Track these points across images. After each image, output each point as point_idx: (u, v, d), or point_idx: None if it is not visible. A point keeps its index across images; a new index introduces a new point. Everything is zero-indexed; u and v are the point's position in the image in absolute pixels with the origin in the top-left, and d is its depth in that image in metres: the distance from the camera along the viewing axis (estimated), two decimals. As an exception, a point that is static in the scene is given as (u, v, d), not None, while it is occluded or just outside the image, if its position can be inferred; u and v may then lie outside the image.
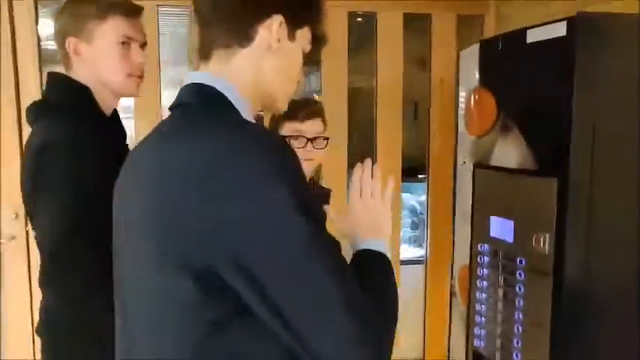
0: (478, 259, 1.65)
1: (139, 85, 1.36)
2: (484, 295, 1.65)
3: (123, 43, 1.29)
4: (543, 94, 1.37)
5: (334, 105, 2.68)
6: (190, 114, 0.84)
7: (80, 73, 1.29)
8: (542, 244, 1.38)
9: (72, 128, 1.20)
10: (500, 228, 1.54)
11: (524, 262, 1.45)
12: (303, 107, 1.67)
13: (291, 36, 0.88)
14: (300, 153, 1.56)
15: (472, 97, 1.67)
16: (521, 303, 1.47)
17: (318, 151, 1.65)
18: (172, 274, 0.72)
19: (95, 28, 1.26)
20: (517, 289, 1.48)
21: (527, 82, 1.42)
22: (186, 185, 0.72)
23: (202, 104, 0.84)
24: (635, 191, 1.32)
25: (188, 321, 0.74)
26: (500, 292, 1.56)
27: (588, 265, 1.32)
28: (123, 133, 1.46)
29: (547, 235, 1.36)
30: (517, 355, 1.50)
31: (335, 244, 0.81)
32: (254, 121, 0.88)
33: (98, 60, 1.28)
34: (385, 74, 2.64)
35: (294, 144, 1.62)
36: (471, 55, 1.67)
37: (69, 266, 1.15)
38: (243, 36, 0.85)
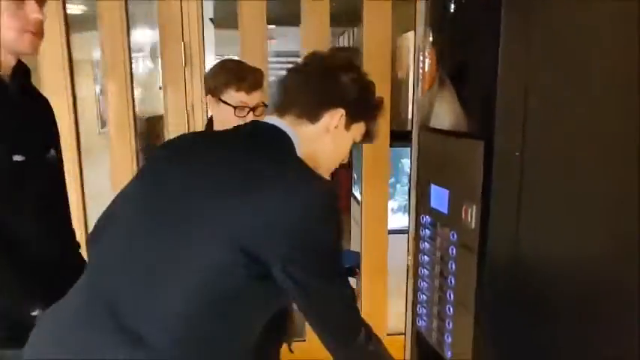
0: (421, 231, 1.51)
1: (35, 43, 1.29)
2: (425, 272, 1.50)
3: None
4: (472, 45, 1.18)
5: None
6: (272, 148, 1.08)
7: None
8: (469, 217, 1.22)
9: None
10: (438, 197, 1.38)
11: (455, 237, 1.29)
12: (249, 78, 1.69)
13: (348, 127, 1.15)
14: (240, 121, 1.57)
15: (424, 52, 1.50)
16: (452, 282, 1.32)
17: (257, 118, 1.72)
18: (223, 250, 0.93)
19: None
20: (450, 266, 1.33)
21: (461, 33, 1.23)
22: (268, 211, 0.94)
23: (281, 144, 1.07)
24: (577, 162, 1.13)
25: (207, 285, 0.94)
26: (437, 269, 1.41)
27: (518, 244, 1.15)
28: (26, 96, 1.39)
29: (474, 207, 1.19)
30: (448, 338, 1.36)
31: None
32: None
33: None
34: (373, 39, 2.48)
35: (237, 113, 1.63)
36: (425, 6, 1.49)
37: None
38: (313, 116, 1.11)
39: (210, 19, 4.43)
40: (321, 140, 1.13)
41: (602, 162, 1.12)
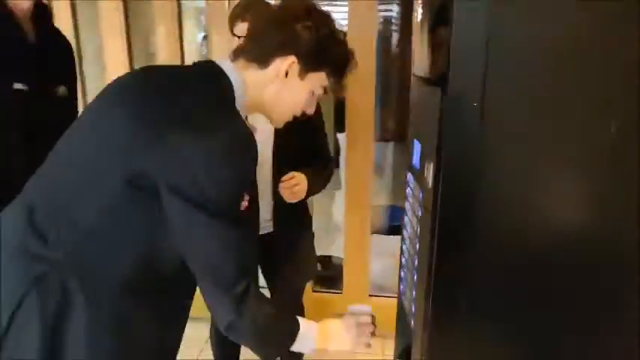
0: (405, 190, 1.38)
1: None
2: (406, 233, 1.39)
3: None
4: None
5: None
6: (203, 90, 1.05)
7: None
8: (426, 175, 1.08)
9: None
10: (416, 153, 1.25)
11: (421, 197, 1.17)
12: (255, 7, 1.62)
13: (302, 76, 1.11)
14: None
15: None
16: (417, 246, 1.20)
17: None
18: (123, 176, 0.97)
19: None
20: (416, 229, 1.21)
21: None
22: (177, 138, 0.95)
23: (216, 88, 1.06)
24: (542, 116, 0.95)
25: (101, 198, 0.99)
26: (412, 231, 1.29)
27: (472, 207, 1.01)
28: (42, 36, 1.48)
29: (431, 164, 1.06)
30: (412, 307, 1.25)
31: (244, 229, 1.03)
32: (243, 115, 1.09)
33: None
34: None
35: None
36: None
37: None
38: (262, 61, 1.10)
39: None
40: (271, 87, 1.11)
41: (569, 115, 0.93)
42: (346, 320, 1.22)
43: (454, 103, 0.97)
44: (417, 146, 1.24)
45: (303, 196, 1.69)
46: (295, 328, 1.12)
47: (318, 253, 3.21)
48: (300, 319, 1.15)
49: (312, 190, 1.72)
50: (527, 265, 1.01)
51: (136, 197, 0.98)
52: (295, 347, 1.13)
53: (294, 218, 1.86)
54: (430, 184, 1.06)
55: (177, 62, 2.56)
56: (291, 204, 1.72)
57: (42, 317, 0.96)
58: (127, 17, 2.59)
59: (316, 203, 2.79)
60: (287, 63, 1.09)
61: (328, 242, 3.38)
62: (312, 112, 1.20)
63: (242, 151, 0.98)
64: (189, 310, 1.17)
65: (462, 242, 1.03)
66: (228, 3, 2.45)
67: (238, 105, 1.08)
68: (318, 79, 1.14)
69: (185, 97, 1.01)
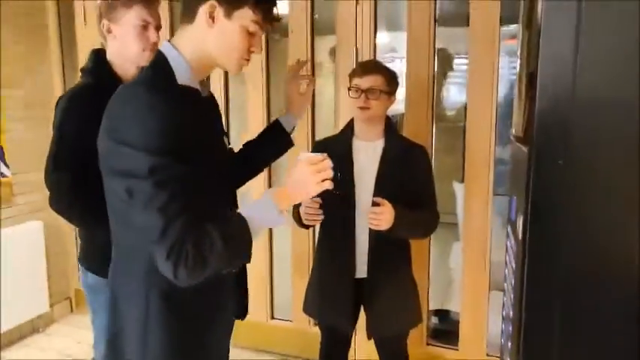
0: (507, 243, 1.41)
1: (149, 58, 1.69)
2: (506, 285, 1.40)
3: (142, 26, 1.62)
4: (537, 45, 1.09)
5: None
6: (141, 76, 1.18)
7: (110, 48, 1.69)
8: (518, 230, 1.13)
9: (78, 89, 1.65)
10: (514, 208, 1.29)
11: (515, 249, 1.20)
12: (363, 64, 1.83)
13: (228, 16, 1.14)
14: (355, 102, 1.74)
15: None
16: (512, 297, 1.23)
17: (373, 102, 1.84)
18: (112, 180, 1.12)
19: (122, 13, 1.61)
20: (512, 281, 1.24)
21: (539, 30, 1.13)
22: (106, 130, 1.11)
23: (150, 70, 1.17)
24: (630, 177, 0.96)
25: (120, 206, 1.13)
26: (509, 282, 1.31)
27: (561, 265, 1.03)
28: None
29: (521, 219, 1.10)
30: (509, 355, 1.26)
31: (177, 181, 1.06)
32: (192, 79, 1.18)
33: (123, 37, 1.64)
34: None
35: (350, 94, 1.75)
36: None
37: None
38: (190, 17, 1.16)
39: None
40: (208, 37, 1.16)
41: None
42: (297, 167, 1.19)
43: (539, 163, 1.02)
44: (514, 201, 1.29)
45: (385, 227, 1.69)
46: (242, 226, 1.12)
47: (436, 306, 3.21)
48: (246, 207, 1.16)
49: (401, 228, 1.72)
50: (619, 322, 1.00)
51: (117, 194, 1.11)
52: (263, 228, 1.17)
53: (390, 263, 1.91)
54: (520, 237, 1.11)
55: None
56: (388, 248, 1.82)
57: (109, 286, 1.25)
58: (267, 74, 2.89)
59: (435, 255, 2.81)
60: (207, 7, 1.13)
61: (447, 295, 3.34)
62: (260, 51, 1.22)
63: (150, 114, 1.04)
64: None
65: (550, 295, 1.05)
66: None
67: (184, 73, 1.15)
68: (246, 15, 1.15)
69: (125, 91, 1.13)
